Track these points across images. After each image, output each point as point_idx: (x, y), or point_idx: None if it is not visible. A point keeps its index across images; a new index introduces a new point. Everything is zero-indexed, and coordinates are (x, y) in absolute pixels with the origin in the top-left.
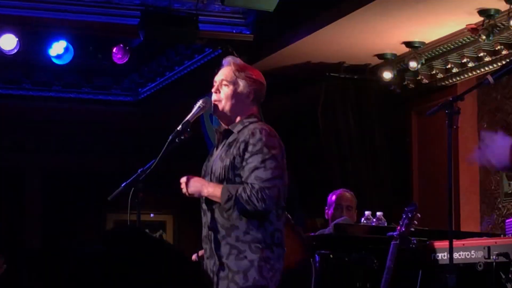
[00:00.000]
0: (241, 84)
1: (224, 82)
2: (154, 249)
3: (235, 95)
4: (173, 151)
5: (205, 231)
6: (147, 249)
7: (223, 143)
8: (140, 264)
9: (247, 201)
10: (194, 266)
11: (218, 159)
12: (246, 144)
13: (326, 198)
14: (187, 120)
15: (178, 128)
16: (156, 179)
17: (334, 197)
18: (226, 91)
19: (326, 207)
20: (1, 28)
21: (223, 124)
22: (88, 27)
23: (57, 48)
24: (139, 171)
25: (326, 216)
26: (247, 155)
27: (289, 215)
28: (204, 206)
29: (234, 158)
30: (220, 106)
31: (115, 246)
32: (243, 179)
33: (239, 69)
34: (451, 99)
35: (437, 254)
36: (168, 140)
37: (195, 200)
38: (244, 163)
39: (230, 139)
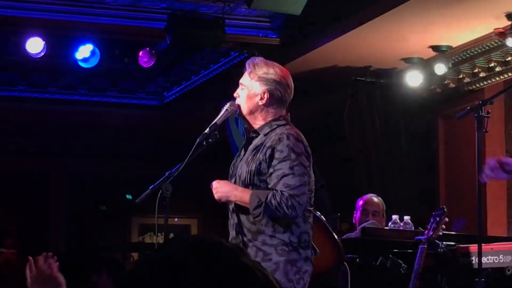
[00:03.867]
0: (254, 85)
1: (241, 86)
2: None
3: (249, 97)
4: (200, 154)
5: (233, 233)
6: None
7: (250, 144)
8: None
9: (277, 208)
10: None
11: (244, 163)
12: (273, 150)
13: (352, 203)
14: (215, 123)
15: (206, 131)
16: (182, 182)
17: (361, 202)
18: (242, 94)
19: (355, 211)
20: (28, 32)
21: (248, 126)
22: (114, 30)
23: (84, 52)
24: (166, 174)
25: (354, 221)
26: (274, 161)
27: (322, 217)
28: (231, 207)
29: (260, 163)
30: (240, 109)
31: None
32: (271, 186)
33: (253, 70)
34: (480, 102)
35: (465, 258)
36: (196, 143)
37: (220, 204)
38: (271, 170)
39: (258, 141)
